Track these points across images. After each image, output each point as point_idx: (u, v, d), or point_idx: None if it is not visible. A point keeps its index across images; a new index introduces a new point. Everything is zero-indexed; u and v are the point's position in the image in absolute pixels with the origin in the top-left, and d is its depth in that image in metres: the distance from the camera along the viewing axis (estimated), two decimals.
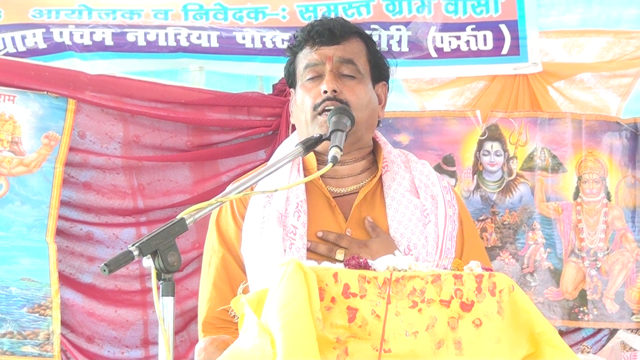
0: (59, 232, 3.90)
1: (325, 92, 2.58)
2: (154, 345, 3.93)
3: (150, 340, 3.94)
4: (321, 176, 2.58)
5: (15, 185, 3.89)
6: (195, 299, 2.73)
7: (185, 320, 3.93)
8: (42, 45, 3.96)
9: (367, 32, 2.76)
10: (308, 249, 2.51)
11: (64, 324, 3.88)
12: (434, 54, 4.08)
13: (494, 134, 4.09)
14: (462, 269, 2.02)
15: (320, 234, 2.54)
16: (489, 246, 3.99)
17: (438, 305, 1.96)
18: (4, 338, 3.84)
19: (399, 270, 2.00)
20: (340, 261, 2.41)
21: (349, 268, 2.00)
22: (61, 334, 3.86)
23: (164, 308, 2.01)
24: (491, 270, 2.00)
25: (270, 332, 1.92)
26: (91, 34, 3.96)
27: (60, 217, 3.89)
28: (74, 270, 3.95)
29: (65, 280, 3.91)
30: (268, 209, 2.58)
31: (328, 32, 2.64)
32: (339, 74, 2.62)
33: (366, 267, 2.00)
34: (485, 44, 4.08)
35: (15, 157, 3.89)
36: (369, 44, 2.71)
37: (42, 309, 3.83)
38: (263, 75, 4.15)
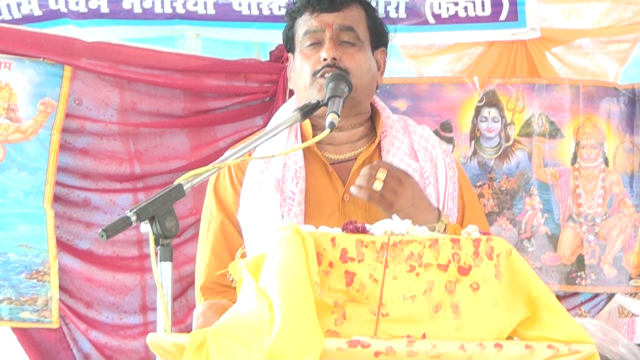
0: (56, 199, 3.90)
1: (325, 59, 2.56)
2: (152, 310, 3.95)
3: (148, 305, 3.96)
4: (319, 143, 2.57)
5: (12, 152, 3.89)
6: (193, 265, 2.73)
7: (183, 286, 3.94)
8: (37, 12, 3.94)
9: None
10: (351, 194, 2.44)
11: (62, 289, 3.89)
12: (431, 20, 4.07)
13: (491, 100, 4.09)
14: (459, 234, 2.03)
15: (353, 189, 2.46)
16: (486, 212, 3.99)
17: (435, 270, 1.96)
18: (2, 304, 3.85)
19: (397, 235, 2.00)
20: (379, 191, 2.38)
21: (346, 233, 2.00)
22: (60, 299, 3.88)
23: (162, 273, 2.01)
24: (489, 235, 2.00)
25: (268, 297, 1.93)
26: (87, 1, 3.95)
27: (57, 184, 3.90)
28: (71, 237, 3.96)
29: (63, 246, 3.92)
30: (265, 175, 2.57)
31: None
32: (339, 41, 2.60)
33: (364, 231, 2.01)
34: (483, 10, 4.07)
35: (12, 124, 3.89)
36: (369, 10, 2.69)
37: (40, 275, 3.84)
38: (260, 42, 4.14)
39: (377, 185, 2.42)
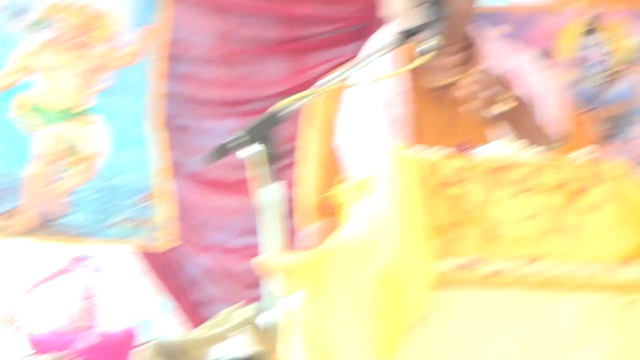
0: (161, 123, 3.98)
1: None
2: (260, 233, 4.01)
3: (256, 228, 4.02)
4: (420, 68, 2.54)
5: (116, 78, 3.95)
6: (292, 191, 2.75)
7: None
8: None
9: None
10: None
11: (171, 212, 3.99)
12: None
13: (594, 26, 4.00)
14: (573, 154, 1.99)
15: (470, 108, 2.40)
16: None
17: (548, 192, 1.93)
18: (115, 227, 3.95)
19: (503, 158, 1.97)
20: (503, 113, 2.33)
21: (452, 156, 1.98)
22: (169, 222, 3.97)
23: (272, 194, 2.03)
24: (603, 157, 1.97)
25: (375, 220, 1.93)
26: None
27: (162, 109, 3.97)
28: (178, 161, 4.04)
29: (171, 170, 4.00)
30: (367, 100, 2.57)
31: None
32: None
33: (470, 154, 1.99)
34: None
35: (115, 51, 3.94)
36: None
37: (150, 197, 3.93)
38: None
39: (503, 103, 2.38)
